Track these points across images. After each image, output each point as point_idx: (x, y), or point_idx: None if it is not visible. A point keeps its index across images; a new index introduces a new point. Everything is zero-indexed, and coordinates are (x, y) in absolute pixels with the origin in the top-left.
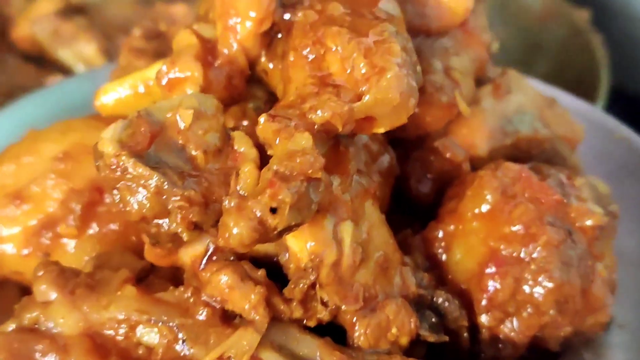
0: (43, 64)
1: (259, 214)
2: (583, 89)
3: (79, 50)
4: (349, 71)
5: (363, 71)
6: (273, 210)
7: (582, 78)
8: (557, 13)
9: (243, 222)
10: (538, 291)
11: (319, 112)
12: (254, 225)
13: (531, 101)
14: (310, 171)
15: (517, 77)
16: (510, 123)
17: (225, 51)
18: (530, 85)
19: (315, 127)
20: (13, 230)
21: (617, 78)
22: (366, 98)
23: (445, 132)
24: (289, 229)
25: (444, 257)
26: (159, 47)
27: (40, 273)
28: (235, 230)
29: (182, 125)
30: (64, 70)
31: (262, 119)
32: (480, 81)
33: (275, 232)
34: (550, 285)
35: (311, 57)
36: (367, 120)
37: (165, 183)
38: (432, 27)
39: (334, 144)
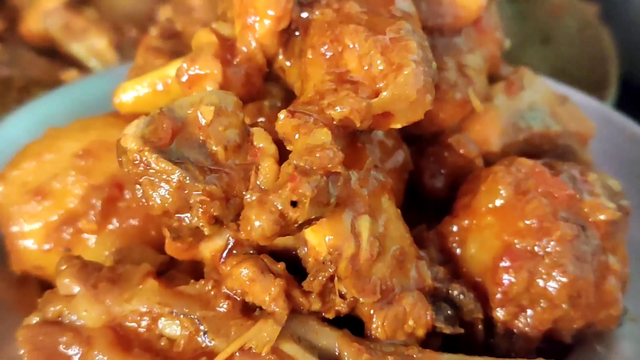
0: (55, 56)
1: (280, 207)
2: (593, 82)
3: (91, 44)
4: (366, 68)
5: (380, 68)
6: (294, 204)
7: (592, 71)
8: (568, 7)
9: (265, 215)
10: (552, 285)
11: (337, 108)
12: (275, 218)
13: (543, 98)
14: (329, 165)
15: (529, 75)
16: (523, 119)
17: (244, 49)
18: (542, 82)
19: (334, 122)
20: (34, 225)
21: (626, 69)
22: (384, 94)
23: (459, 128)
24: (308, 222)
25: (458, 251)
26: (176, 46)
27: (64, 267)
28: (257, 223)
29: (203, 121)
30: (77, 63)
31: (281, 115)
32: (492, 78)
33: (296, 225)
34: (564, 279)
35: (329, 54)
36: (385, 116)
37: (187, 178)
38: (446, 26)
39: (351, 139)
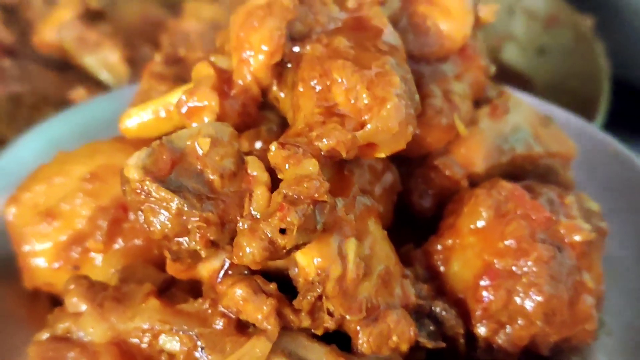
0: (65, 69)
1: (269, 235)
2: (585, 95)
3: (103, 57)
4: (352, 102)
5: (365, 102)
6: (282, 231)
7: (585, 84)
8: (562, 19)
9: (255, 242)
10: (528, 303)
11: (324, 140)
12: (265, 245)
13: (526, 120)
14: (316, 195)
15: (513, 98)
16: (507, 142)
17: (240, 82)
18: (526, 105)
19: (322, 153)
20: (45, 245)
21: (623, 71)
22: (368, 127)
23: (446, 151)
24: (296, 247)
25: (442, 269)
26: (179, 72)
27: (72, 287)
28: (248, 250)
29: (200, 151)
30: (87, 76)
31: (273, 146)
32: (479, 101)
33: (285, 251)
34: (539, 298)
35: (318, 88)
36: (369, 147)
37: (185, 205)
38: (432, 54)
39: (338, 168)
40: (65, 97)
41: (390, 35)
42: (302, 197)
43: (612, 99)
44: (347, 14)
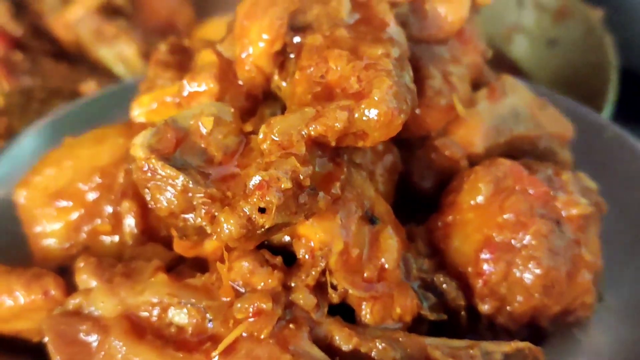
0: (74, 62)
1: (248, 213)
2: (593, 87)
3: (120, 50)
4: (344, 89)
5: (356, 90)
6: (262, 210)
7: (594, 76)
8: (572, 11)
9: (233, 219)
10: (527, 276)
11: (312, 126)
12: (243, 223)
13: (524, 102)
14: (301, 177)
15: (510, 81)
16: (505, 123)
17: (245, 68)
18: (523, 88)
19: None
20: (55, 225)
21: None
22: (356, 116)
23: (445, 132)
24: (277, 227)
25: (444, 244)
26: (183, 60)
27: (82, 265)
28: (225, 226)
29: (204, 130)
30: (97, 69)
31: (261, 131)
32: (477, 84)
33: (263, 230)
34: (538, 271)
35: (314, 75)
36: (359, 135)
37: (190, 182)
38: (431, 37)
39: (332, 155)
40: (76, 90)
41: (393, 30)
42: (284, 178)
43: (622, 90)
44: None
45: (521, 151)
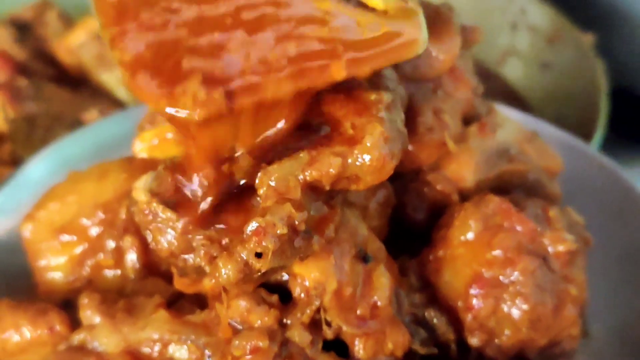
0: (77, 87)
1: (245, 258)
2: (586, 111)
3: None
4: (337, 134)
5: (349, 135)
6: (258, 255)
7: (586, 100)
8: (564, 36)
9: (231, 264)
10: (515, 312)
11: (307, 171)
12: (240, 267)
13: (513, 137)
14: (296, 222)
15: (500, 116)
16: (495, 157)
17: None
18: (512, 122)
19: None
20: (60, 259)
21: (629, 83)
22: (349, 161)
23: (437, 167)
24: (272, 270)
25: (435, 278)
26: None
27: (86, 301)
28: (223, 271)
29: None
30: (100, 95)
31: (260, 174)
32: (468, 118)
33: (259, 274)
34: (525, 307)
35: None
36: (352, 179)
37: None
38: (423, 76)
39: (326, 198)
40: (79, 118)
41: (385, 74)
42: (280, 223)
43: (617, 112)
44: None
45: (511, 184)
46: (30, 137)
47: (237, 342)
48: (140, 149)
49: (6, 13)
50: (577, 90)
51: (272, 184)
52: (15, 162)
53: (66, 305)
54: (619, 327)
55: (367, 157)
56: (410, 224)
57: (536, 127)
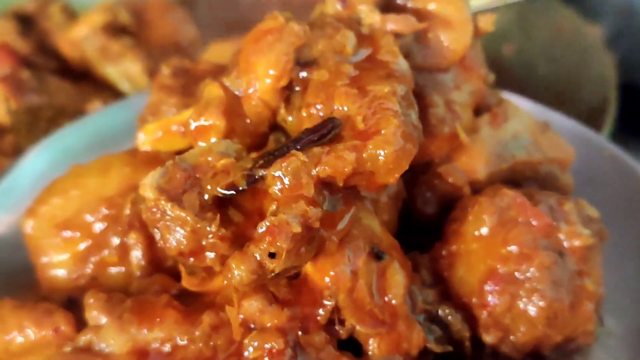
0: (80, 79)
1: (258, 258)
2: (595, 104)
3: (125, 68)
4: (351, 129)
5: (363, 129)
6: (272, 255)
7: (594, 93)
8: (571, 28)
9: (244, 265)
10: (531, 308)
11: (320, 167)
12: (253, 268)
13: (525, 127)
14: (309, 221)
15: (512, 107)
16: (507, 149)
17: (252, 103)
18: (524, 112)
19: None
20: (62, 256)
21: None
22: (364, 156)
23: (448, 159)
24: (286, 271)
25: (448, 274)
26: (187, 83)
27: (91, 301)
28: (236, 272)
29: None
30: (102, 87)
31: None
32: (479, 108)
33: (273, 274)
34: (542, 303)
35: (321, 114)
36: (366, 175)
37: (199, 224)
38: (434, 65)
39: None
40: (82, 109)
41: (399, 65)
42: (294, 222)
43: (623, 105)
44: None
45: (523, 176)
46: (32, 129)
47: (254, 343)
48: (144, 141)
49: (10, 6)
50: (586, 84)
51: (285, 180)
52: (18, 153)
53: (71, 304)
54: (634, 323)
55: (382, 152)
56: (420, 217)
57: (547, 117)
